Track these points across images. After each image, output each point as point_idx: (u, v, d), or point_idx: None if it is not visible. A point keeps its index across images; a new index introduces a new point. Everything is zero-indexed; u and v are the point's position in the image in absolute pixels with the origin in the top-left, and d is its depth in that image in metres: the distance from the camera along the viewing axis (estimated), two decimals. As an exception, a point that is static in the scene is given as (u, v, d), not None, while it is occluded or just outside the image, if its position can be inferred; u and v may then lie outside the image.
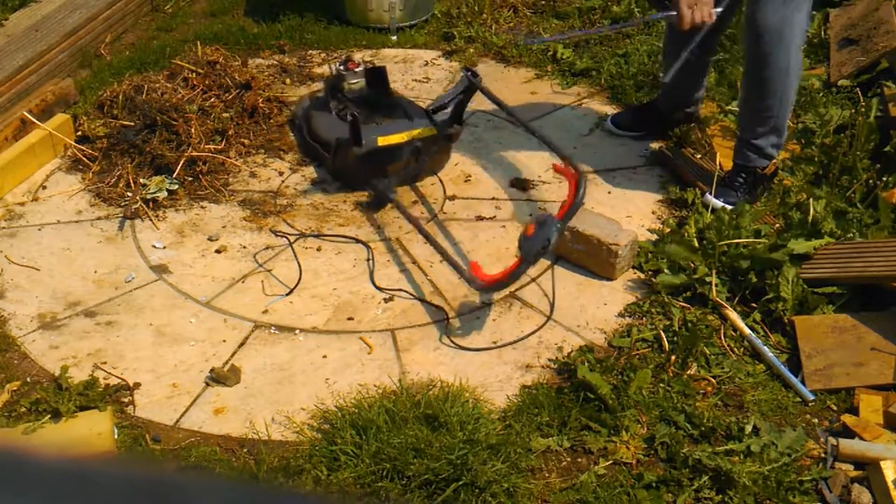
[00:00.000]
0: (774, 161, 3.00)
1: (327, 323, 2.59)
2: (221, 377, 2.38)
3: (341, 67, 3.33)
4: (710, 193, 2.91)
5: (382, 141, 3.03)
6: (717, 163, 3.16)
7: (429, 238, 2.77)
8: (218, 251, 2.86)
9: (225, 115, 3.32)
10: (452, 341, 2.51)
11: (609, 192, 3.14)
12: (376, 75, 3.37)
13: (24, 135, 3.24)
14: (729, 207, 2.83)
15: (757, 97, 2.89)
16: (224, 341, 2.53)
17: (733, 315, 2.53)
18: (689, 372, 2.38)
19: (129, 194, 3.05)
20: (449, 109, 3.12)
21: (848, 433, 2.20)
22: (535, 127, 2.96)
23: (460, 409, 2.19)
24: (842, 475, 2.10)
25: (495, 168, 3.24)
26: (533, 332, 2.54)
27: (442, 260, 2.82)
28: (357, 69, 3.32)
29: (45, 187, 3.16)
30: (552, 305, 2.64)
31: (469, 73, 3.01)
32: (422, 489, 2.03)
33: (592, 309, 2.64)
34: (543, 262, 2.80)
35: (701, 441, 2.18)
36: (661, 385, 2.33)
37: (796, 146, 3.23)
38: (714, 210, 2.83)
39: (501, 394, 2.34)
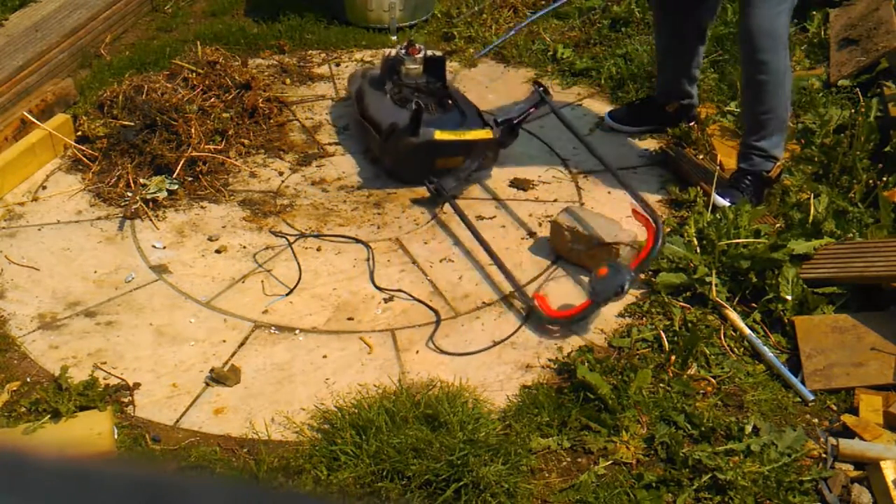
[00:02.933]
0: (779, 164, 3.00)
1: (327, 323, 2.59)
2: (221, 377, 2.38)
3: (403, 51, 3.33)
4: (715, 193, 2.91)
5: (440, 135, 3.02)
6: (718, 162, 3.16)
7: (486, 247, 2.76)
8: (218, 251, 2.86)
9: (225, 115, 3.32)
10: (438, 347, 2.51)
11: (609, 192, 3.14)
12: (434, 64, 3.35)
13: (24, 135, 3.24)
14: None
15: (757, 101, 2.91)
16: (224, 341, 2.53)
17: (733, 315, 2.53)
18: (689, 372, 2.38)
19: (129, 194, 3.05)
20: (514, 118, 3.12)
21: (848, 433, 2.20)
22: (620, 175, 2.97)
23: (460, 409, 2.19)
24: (842, 475, 2.09)
25: (495, 168, 3.24)
26: (519, 328, 2.54)
27: (442, 259, 2.82)
28: (417, 55, 3.33)
29: (45, 187, 3.16)
30: (531, 304, 2.64)
31: (541, 90, 3.00)
32: (422, 489, 2.03)
33: (592, 309, 2.64)
34: (544, 262, 2.80)
35: (701, 441, 2.18)
36: (661, 385, 2.33)
37: (796, 146, 3.23)
38: (715, 210, 2.83)
39: (501, 394, 2.34)
